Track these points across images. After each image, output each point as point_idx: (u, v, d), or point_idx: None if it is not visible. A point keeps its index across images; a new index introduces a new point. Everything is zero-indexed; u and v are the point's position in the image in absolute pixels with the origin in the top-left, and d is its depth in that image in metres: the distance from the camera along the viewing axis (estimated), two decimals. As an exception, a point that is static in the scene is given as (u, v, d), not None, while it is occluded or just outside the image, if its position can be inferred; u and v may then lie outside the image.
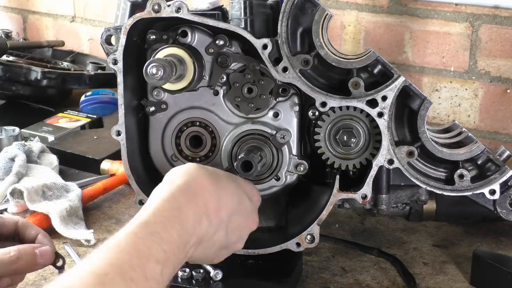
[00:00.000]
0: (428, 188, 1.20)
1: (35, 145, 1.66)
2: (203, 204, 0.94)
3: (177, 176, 0.96)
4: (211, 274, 1.19)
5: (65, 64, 2.31)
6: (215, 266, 1.19)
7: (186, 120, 1.24)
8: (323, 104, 1.16)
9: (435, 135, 1.27)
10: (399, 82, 1.14)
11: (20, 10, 2.68)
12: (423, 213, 1.29)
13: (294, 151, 1.22)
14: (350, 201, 1.22)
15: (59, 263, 1.03)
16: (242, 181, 1.08)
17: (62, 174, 1.63)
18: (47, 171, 1.58)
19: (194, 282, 1.18)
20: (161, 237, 0.84)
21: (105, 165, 1.65)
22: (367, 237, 1.42)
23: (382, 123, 1.15)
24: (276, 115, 1.22)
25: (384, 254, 1.34)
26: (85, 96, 2.07)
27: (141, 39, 1.19)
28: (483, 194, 1.20)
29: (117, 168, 1.62)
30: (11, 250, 0.94)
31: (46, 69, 1.99)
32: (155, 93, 1.23)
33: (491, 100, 1.83)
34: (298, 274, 1.25)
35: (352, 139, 1.20)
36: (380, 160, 1.17)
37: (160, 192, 0.93)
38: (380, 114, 1.15)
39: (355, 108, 1.18)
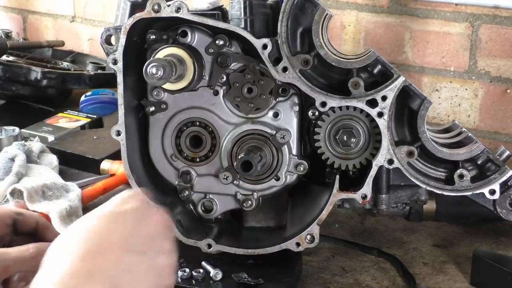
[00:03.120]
0: (428, 188, 1.20)
1: (35, 145, 1.66)
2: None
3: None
4: (211, 274, 1.18)
5: (65, 64, 2.31)
6: (215, 266, 1.19)
7: (186, 120, 1.24)
8: (323, 104, 1.16)
9: (435, 135, 1.27)
10: (399, 82, 1.14)
11: (20, 10, 2.68)
12: (423, 213, 1.29)
13: (294, 151, 1.22)
14: (350, 201, 1.22)
15: None
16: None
17: (62, 174, 1.63)
18: (47, 171, 1.58)
19: (194, 282, 1.18)
20: None
21: (105, 165, 1.65)
22: (367, 237, 1.41)
23: (382, 123, 1.15)
24: (276, 115, 1.22)
25: (384, 254, 1.34)
26: (85, 96, 2.07)
27: (141, 39, 1.19)
28: (483, 194, 1.20)
29: (117, 168, 1.62)
30: (30, 247, 0.92)
31: (46, 69, 1.99)
32: (155, 93, 1.23)
33: (491, 100, 1.83)
34: (298, 274, 1.25)
35: (352, 139, 1.20)
36: (380, 160, 1.17)
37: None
38: (380, 114, 1.15)
39: (355, 108, 1.18)
